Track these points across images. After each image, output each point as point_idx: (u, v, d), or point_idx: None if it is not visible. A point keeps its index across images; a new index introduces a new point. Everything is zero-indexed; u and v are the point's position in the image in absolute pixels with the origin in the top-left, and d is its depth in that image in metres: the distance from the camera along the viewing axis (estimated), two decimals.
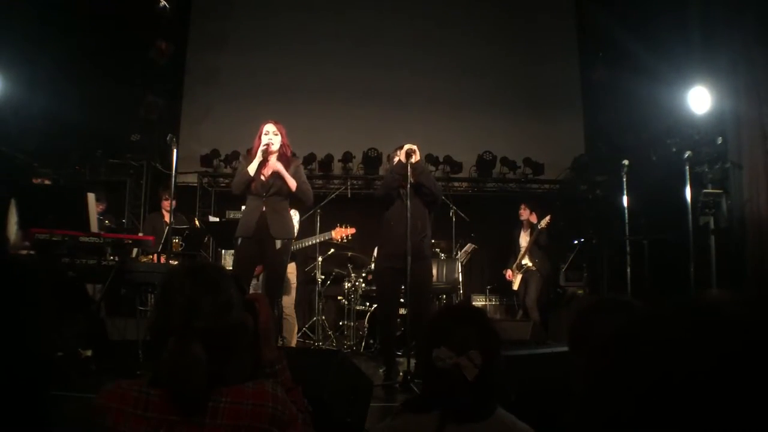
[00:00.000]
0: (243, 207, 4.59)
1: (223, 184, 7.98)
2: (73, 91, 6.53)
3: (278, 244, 4.31)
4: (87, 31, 6.85)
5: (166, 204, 6.39)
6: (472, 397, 1.31)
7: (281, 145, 4.35)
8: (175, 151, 4.18)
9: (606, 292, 7.04)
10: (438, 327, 1.40)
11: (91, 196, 4.24)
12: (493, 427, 1.33)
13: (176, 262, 4.71)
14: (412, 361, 4.54)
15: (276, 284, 4.41)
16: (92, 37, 6.90)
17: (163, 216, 6.39)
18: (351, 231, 5.83)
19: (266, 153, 4.27)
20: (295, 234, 5.77)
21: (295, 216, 5.84)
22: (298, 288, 5.89)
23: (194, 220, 6.67)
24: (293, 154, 4.54)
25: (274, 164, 4.32)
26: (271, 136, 4.32)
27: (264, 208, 4.30)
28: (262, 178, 4.33)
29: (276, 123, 4.41)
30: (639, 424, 0.48)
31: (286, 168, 4.32)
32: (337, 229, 5.77)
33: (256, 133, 4.40)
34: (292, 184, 4.30)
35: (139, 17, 7.10)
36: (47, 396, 0.80)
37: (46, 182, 5.45)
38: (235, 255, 4.82)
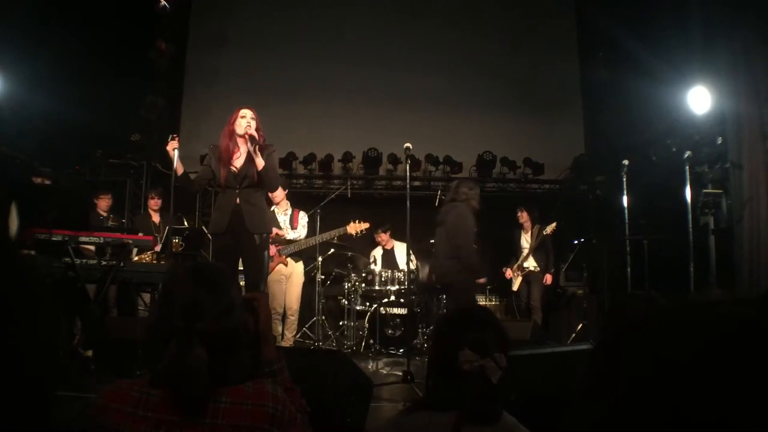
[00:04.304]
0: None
1: None
2: (73, 91, 6.53)
3: (257, 239, 4.14)
4: (87, 31, 6.85)
5: (152, 203, 6.43)
6: (491, 399, 1.31)
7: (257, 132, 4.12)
8: (176, 151, 4.15)
9: (606, 292, 7.04)
10: (457, 329, 1.40)
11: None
12: (502, 430, 1.33)
13: (164, 262, 4.69)
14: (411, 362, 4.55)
15: (257, 281, 4.22)
16: (92, 37, 6.89)
17: (150, 216, 6.41)
18: (365, 225, 5.87)
19: (255, 140, 4.04)
20: (304, 235, 5.83)
21: (303, 218, 5.91)
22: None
23: (183, 220, 6.67)
24: (267, 143, 4.26)
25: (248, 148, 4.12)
26: (248, 120, 4.09)
27: (238, 201, 4.11)
28: (234, 169, 4.14)
29: (251, 108, 4.17)
30: (638, 424, 0.48)
31: (261, 156, 4.10)
32: (351, 224, 5.83)
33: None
34: (260, 164, 4.07)
35: (139, 17, 7.09)
36: (52, 396, 0.80)
37: (46, 182, 5.45)
38: (212, 252, 4.74)
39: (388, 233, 6.89)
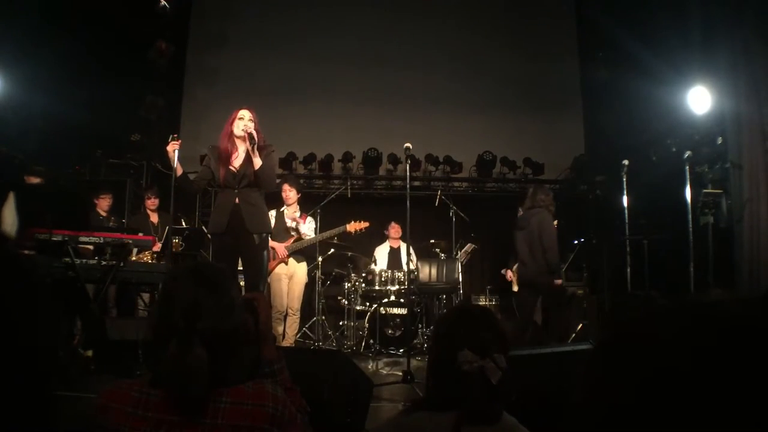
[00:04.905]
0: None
1: None
2: (73, 91, 6.52)
3: (256, 239, 4.14)
4: (87, 32, 6.84)
5: (149, 203, 6.44)
6: (490, 399, 1.31)
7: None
8: (176, 152, 4.15)
9: (606, 292, 7.04)
10: (457, 329, 1.40)
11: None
12: (502, 430, 1.33)
13: (164, 262, 4.68)
14: (412, 361, 4.55)
15: (257, 281, 4.21)
16: (92, 37, 6.89)
17: (148, 216, 6.43)
18: (365, 224, 5.88)
19: (253, 139, 4.04)
20: (311, 235, 5.86)
21: (311, 222, 5.94)
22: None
23: (181, 220, 6.69)
24: (266, 143, 4.28)
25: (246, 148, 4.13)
26: (246, 121, 4.12)
27: (237, 201, 4.12)
28: (233, 169, 4.15)
29: (250, 109, 4.19)
30: (638, 425, 0.48)
31: (259, 155, 4.11)
32: (352, 223, 5.85)
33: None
34: (257, 163, 4.08)
35: (139, 17, 7.09)
36: (52, 396, 0.80)
37: (39, 181, 5.42)
38: (212, 252, 4.74)
39: (399, 226, 6.90)
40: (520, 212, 6.96)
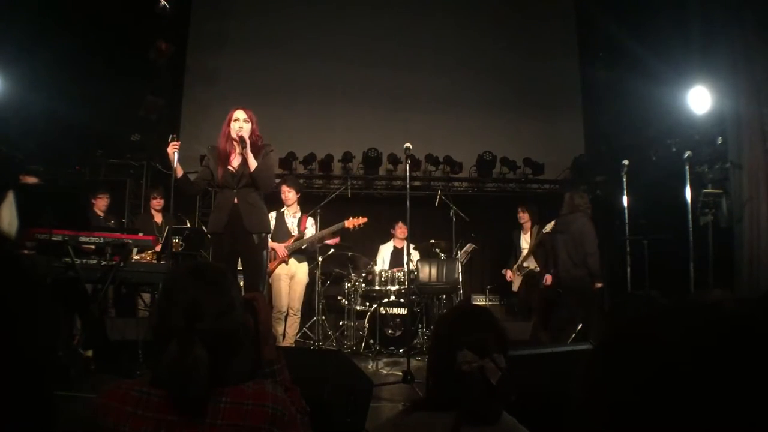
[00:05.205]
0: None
1: None
2: (73, 91, 6.53)
3: (255, 239, 4.15)
4: (87, 32, 6.84)
5: (154, 203, 6.44)
6: (490, 399, 1.31)
7: (251, 133, 4.14)
8: (176, 153, 4.16)
9: (606, 292, 7.03)
10: (457, 329, 1.40)
11: None
12: (501, 430, 1.33)
13: (164, 262, 4.69)
14: (412, 361, 4.55)
15: (256, 281, 4.19)
16: (92, 37, 6.89)
17: (152, 216, 6.42)
18: (363, 220, 5.88)
19: (244, 143, 4.04)
20: (308, 235, 5.86)
21: (311, 228, 5.95)
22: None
23: (185, 221, 6.69)
24: (264, 143, 4.28)
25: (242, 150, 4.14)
26: (241, 123, 4.12)
27: (236, 201, 4.13)
28: (231, 169, 4.16)
29: (245, 110, 4.19)
30: (638, 424, 0.48)
31: (256, 156, 4.11)
32: (350, 219, 5.85)
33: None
34: (252, 165, 4.07)
35: (139, 17, 7.09)
36: (52, 396, 0.80)
37: (33, 180, 5.41)
38: (211, 252, 4.76)
39: (406, 227, 6.90)
40: (520, 212, 6.99)
